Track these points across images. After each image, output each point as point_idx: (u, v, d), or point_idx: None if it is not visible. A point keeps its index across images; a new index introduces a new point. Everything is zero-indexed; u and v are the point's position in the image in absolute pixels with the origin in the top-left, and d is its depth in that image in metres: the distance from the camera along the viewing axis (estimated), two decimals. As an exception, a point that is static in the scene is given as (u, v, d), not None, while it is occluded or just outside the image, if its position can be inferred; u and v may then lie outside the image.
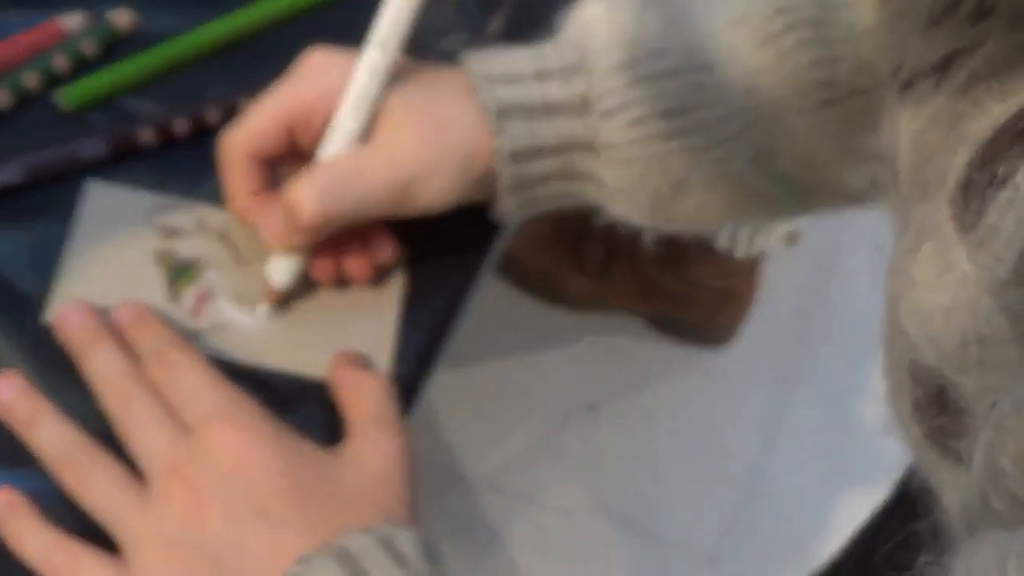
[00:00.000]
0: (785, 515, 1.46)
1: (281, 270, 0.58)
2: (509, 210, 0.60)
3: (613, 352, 1.51)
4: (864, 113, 0.56)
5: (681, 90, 0.56)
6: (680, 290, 1.46)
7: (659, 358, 1.52)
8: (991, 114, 0.35)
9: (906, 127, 0.40)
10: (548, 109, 0.57)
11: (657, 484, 1.45)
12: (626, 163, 0.57)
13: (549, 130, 0.57)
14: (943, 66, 0.38)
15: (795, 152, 0.58)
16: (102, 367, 0.54)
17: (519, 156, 0.57)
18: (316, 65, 0.58)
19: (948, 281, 0.35)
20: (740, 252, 1.40)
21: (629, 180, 0.57)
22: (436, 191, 0.57)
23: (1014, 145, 0.33)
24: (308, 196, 0.56)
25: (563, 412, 1.47)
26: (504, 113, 0.56)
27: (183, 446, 0.51)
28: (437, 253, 0.63)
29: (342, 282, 0.60)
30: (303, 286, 0.60)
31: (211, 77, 0.64)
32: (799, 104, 0.56)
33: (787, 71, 0.56)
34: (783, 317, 1.57)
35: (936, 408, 0.37)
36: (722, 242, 1.38)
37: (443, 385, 1.44)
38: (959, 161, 0.35)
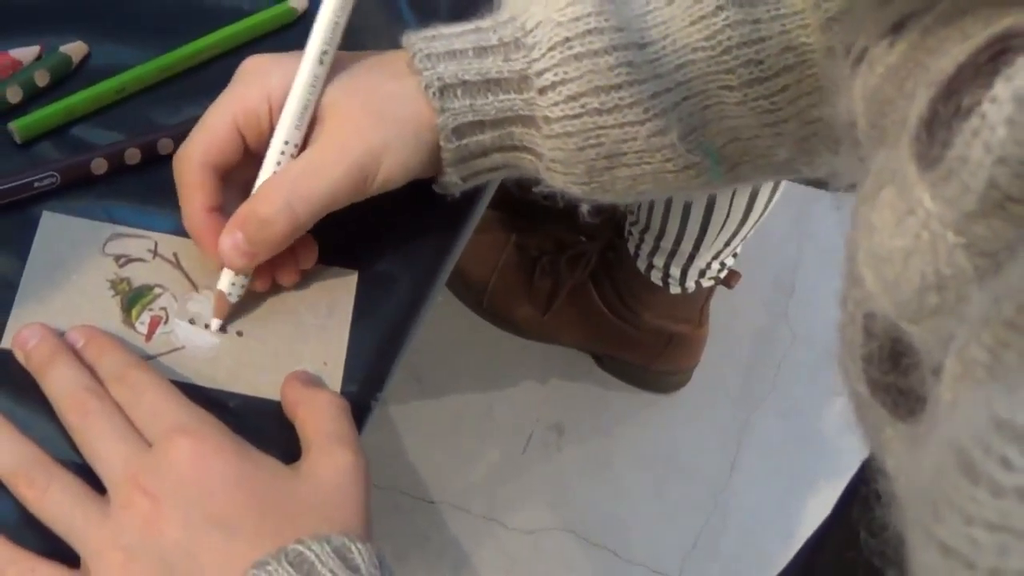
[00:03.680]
0: (748, 532, 1.47)
1: (234, 284, 0.60)
2: (452, 182, 0.62)
3: (577, 373, 1.51)
4: (788, 90, 0.59)
5: (616, 67, 0.58)
6: (624, 331, 1.45)
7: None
8: (951, 54, 0.36)
9: (860, 90, 0.42)
10: (488, 84, 0.59)
11: (621, 504, 1.45)
12: (562, 136, 0.59)
13: (489, 104, 0.59)
14: (896, 29, 0.40)
15: (723, 126, 0.60)
16: (61, 381, 0.55)
17: (461, 131, 0.59)
18: (255, 69, 0.60)
19: (909, 223, 0.35)
20: (674, 288, 1.39)
21: (565, 152, 0.60)
22: (391, 169, 0.59)
23: (978, 77, 0.34)
24: (276, 208, 0.57)
25: (528, 433, 1.47)
26: (445, 90, 0.59)
27: (142, 457, 0.52)
28: (386, 274, 0.64)
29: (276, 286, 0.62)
30: (256, 309, 0.61)
31: (162, 107, 0.65)
32: (728, 81, 0.59)
33: (717, 50, 0.58)
34: (743, 335, 1.58)
35: (888, 363, 0.38)
36: (655, 278, 1.38)
37: (408, 406, 1.44)
38: (920, 101, 0.36)
